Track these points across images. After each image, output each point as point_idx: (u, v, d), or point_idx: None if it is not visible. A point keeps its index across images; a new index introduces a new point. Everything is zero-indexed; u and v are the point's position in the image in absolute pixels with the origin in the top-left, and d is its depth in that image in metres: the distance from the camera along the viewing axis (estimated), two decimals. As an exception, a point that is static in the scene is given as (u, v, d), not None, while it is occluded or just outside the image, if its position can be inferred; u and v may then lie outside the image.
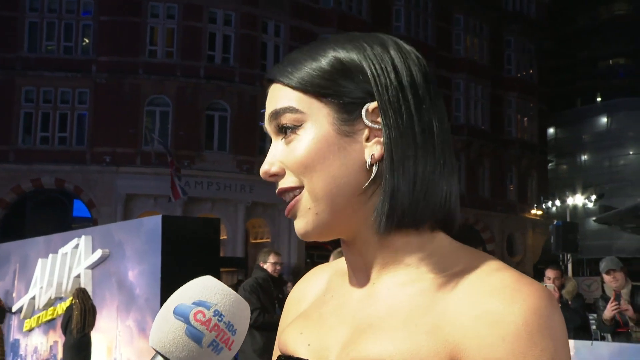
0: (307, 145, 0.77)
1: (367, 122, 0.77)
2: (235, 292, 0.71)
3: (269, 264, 5.99)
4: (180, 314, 0.68)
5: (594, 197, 25.87)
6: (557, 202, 26.75)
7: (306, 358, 0.80)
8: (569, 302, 6.41)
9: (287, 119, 0.78)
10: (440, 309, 0.73)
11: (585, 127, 35.10)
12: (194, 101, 21.83)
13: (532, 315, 0.68)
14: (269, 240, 22.36)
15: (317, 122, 0.78)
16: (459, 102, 28.32)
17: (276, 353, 0.89)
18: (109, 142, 21.17)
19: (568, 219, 24.07)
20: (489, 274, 0.73)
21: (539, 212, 30.03)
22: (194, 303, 0.68)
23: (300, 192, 0.78)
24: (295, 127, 0.78)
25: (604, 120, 34.53)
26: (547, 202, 27.48)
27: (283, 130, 0.79)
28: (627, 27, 37.44)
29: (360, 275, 0.82)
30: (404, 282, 0.78)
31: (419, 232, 0.78)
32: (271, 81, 0.83)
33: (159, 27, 22.28)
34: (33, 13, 21.94)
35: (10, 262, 11.17)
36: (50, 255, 9.92)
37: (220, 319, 0.68)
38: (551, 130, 36.26)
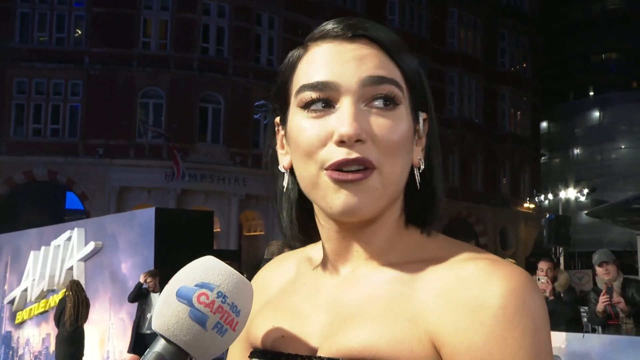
0: (403, 129, 0.74)
1: (421, 129, 0.79)
2: (237, 272, 0.70)
3: None
4: (184, 297, 0.67)
5: (586, 190, 25.95)
6: (550, 196, 26.83)
7: (282, 351, 0.78)
8: (562, 295, 6.44)
9: (391, 90, 0.74)
10: (420, 297, 0.72)
11: (578, 121, 35.17)
12: (188, 93, 21.75)
13: (509, 297, 0.67)
14: (262, 233, 22.35)
15: (406, 109, 0.76)
16: (452, 95, 28.34)
17: (241, 342, 0.86)
18: (102, 134, 21.07)
19: (560, 213, 24.15)
20: (465, 261, 0.73)
21: (532, 206, 30.13)
22: (196, 285, 0.67)
23: (372, 171, 0.72)
24: (394, 104, 0.74)
25: (597, 114, 34.61)
26: (540, 195, 27.56)
27: (376, 99, 0.73)
28: (620, 22, 37.51)
29: (340, 263, 0.80)
30: (384, 270, 0.77)
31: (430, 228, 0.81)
32: (355, 37, 0.75)
33: (152, 18, 22.16)
34: (24, 4, 21.76)
35: (2, 255, 11.11)
36: (43, 248, 9.88)
37: (224, 300, 0.67)
38: (544, 124, 36.34)
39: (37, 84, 21.57)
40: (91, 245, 9.05)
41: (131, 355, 7.76)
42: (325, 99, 0.74)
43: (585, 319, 7.05)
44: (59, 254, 9.54)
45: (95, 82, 21.47)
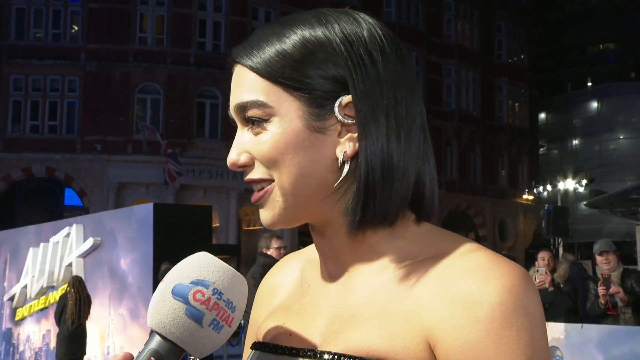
0: (275, 140, 0.73)
1: (340, 118, 0.73)
2: (232, 268, 0.70)
3: (273, 250, 5.83)
4: (179, 294, 0.67)
5: (584, 181, 25.97)
6: (548, 187, 26.88)
7: (284, 345, 0.78)
8: (561, 286, 6.45)
9: (254, 113, 0.74)
10: (417, 294, 0.71)
11: (576, 112, 35.20)
12: (185, 89, 21.73)
13: (507, 295, 0.66)
14: (261, 227, 22.35)
15: (287, 116, 0.73)
16: (449, 88, 28.33)
17: (250, 344, 0.87)
18: (99, 131, 21.07)
19: (559, 204, 24.20)
20: (462, 256, 0.71)
21: (530, 197, 30.18)
22: (192, 282, 0.68)
23: (270, 184, 0.75)
24: (262, 121, 0.74)
25: (594, 105, 34.63)
26: (538, 187, 27.61)
27: (250, 121, 0.75)
28: (616, 12, 37.47)
29: (333, 264, 0.80)
30: (379, 270, 0.76)
31: (391, 225, 0.76)
32: (236, 62, 0.78)
33: (148, 14, 22.11)
34: (20, 0, 21.71)
35: (0, 252, 11.12)
36: (42, 244, 9.88)
37: (219, 297, 0.68)
38: (542, 116, 36.36)
39: (34, 81, 21.53)
40: (90, 242, 9.05)
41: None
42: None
43: (584, 309, 7.07)
44: (58, 251, 9.53)
45: (92, 78, 21.44)
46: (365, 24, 0.76)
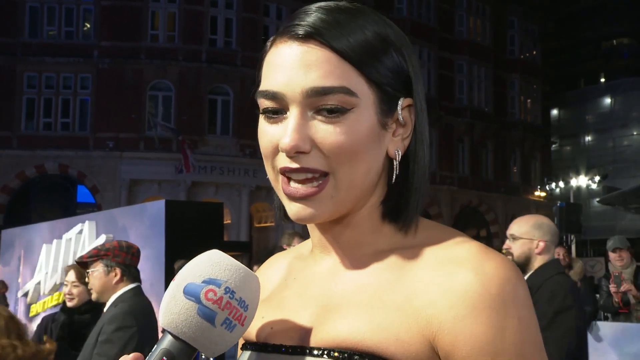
0: (356, 132, 0.72)
1: (400, 118, 0.76)
2: (244, 266, 0.70)
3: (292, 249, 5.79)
4: (191, 294, 0.67)
5: (597, 178, 25.75)
6: (561, 184, 26.66)
7: (271, 343, 0.78)
8: (578, 284, 6.40)
9: (338, 100, 0.71)
10: (409, 283, 0.72)
11: (589, 108, 34.91)
12: (197, 85, 21.76)
13: (505, 285, 0.68)
14: (273, 224, 22.38)
15: (367, 109, 0.73)
16: (461, 84, 28.18)
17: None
18: (112, 128, 21.15)
19: (572, 200, 24.04)
20: (454, 246, 0.73)
21: (543, 194, 29.97)
22: (204, 281, 0.67)
23: (324, 178, 0.73)
24: (344, 110, 0.71)
25: (608, 101, 34.33)
26: (551, 183, 27.40)
27: (321, 108, 0.72)
28: (631, 6, 37.07)
29: (328, 255, 0.80)
30: (371, 259, 0.77)
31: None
32: (308, 37, 0.72)
33: (160, 11, 22.16)
34: (33, -2, 21.84)
35: (15, 248, 11.20)
36: (55, 241, 9.94)
37: (231, 296, 0.67)
38: (554, 112, 36.10)
39: (47, 78, 21.65)
40: (102, 238, 9.07)
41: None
42: (277, 107, 0.74)
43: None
44: (71, 247, 9.58)
45: (104, 76, 21.53)
46: (407, 39, 0.79)
